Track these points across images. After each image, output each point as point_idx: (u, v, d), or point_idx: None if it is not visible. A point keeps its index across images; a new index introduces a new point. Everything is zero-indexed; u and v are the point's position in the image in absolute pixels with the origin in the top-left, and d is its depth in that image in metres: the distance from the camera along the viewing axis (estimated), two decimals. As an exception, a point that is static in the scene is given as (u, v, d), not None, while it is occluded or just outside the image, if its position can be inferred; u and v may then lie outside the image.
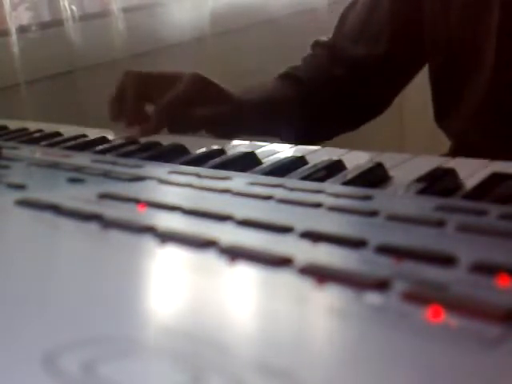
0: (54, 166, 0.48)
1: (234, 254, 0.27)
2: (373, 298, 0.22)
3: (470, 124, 0.74)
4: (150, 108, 0.69)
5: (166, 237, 0.29)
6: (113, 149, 0.57)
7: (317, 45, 0.84)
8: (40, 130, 0.69)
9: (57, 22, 1.06)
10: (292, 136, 0.80)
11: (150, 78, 0.70)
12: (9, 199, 0.37)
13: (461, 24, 0.71)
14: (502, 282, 0.23)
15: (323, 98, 0.81)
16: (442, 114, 0.79)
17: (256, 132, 0.74)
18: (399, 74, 0.83)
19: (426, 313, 0.21)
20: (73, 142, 0.61)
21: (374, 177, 0.43)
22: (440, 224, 0.30)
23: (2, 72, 0.95)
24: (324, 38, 0.84)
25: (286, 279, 0.24)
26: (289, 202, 0.35)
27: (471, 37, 0.71)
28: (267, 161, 0.50)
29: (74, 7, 1.05)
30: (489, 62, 0.69)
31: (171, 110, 0.67)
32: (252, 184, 0.39)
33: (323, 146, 0.53)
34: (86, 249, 0.30)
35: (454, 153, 0.78)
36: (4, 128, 0.73)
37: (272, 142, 0.56)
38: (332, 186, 0.40)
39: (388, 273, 0.24)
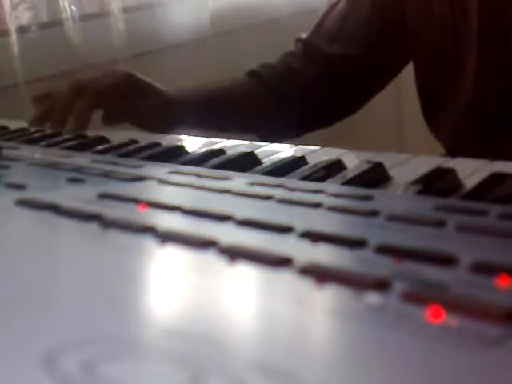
0: (54, 165, 0.48)
1: (234, 253, 0.27)
2: (373, 298, 0.22)
3: (456, 128, 0.74)
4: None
5: (166, 237, 0.29)
6: (113, 149, 0.57)
7: (297, 41, 0.85)
8: (40, 130, 0.69)
9: (56, 22, 1.06)
10: (265, 132, 0.81)
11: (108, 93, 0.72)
12: (9, 199, 0.37)
13: (442, 28, 0.72)
14: (502, 282, 0.23)
15: (288, 96, 0.81)
16: (431, 119, 0.79)
17: (196, 126, 0.74)
18: (373, 77, 0.83)
19: (426, 313, 0.21)
20: (73, 142, 0.61)
21: (374, 177, 0.43)
22: (440, 224, 0.30)
23: (2, 72, 0.95)
24: (304, 34, 0.85)
25: (285, 279, 0.24)
26: (289, 202, 0.35)
27: (453, 41, 0.71)
28: (267, 161, 0.50)
29: (73, 7, 1.05)
30: (471, 66, 0.69)
31: (96, 104, 0.70)
32: (252, 184, 0.39)
33: (323, 146, 0.53)
34: (86, 249, 0.30)
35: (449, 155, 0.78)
36: (4, 128, 0.73)
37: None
38: (332, 186, 0.40)
39: (388, 273, 0.24)
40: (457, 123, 0.73)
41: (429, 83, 0.77)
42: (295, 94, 0.81)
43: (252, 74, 0.83)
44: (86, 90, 0.69)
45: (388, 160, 0.45)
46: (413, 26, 0.75)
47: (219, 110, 0.78)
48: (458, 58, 0.71)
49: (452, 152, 0.75)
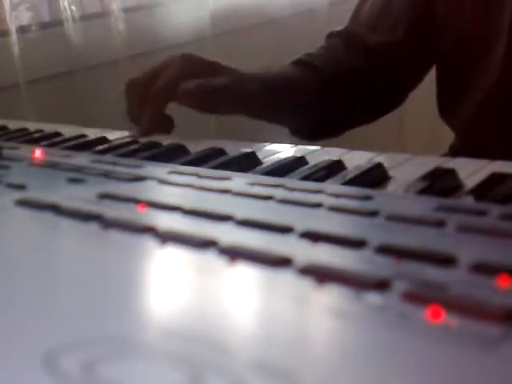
0: (54, 166, 0.48)
1: (234, 253, 0.27)
2: (373, 297, 0.22)
3: (475, 118, 0.72)
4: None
5: (166, 237, 0.29)
6: (113, 149, 0.57)
7: (331, 35, 0.81)
8: (40, 130, 0.69)
9: (57, 22, 1.06)
10: (302, 128, 0.77)
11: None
12: (9, 199, 0.37)
13: (472, 18, 0.70)
14: (502, 282, 0.23)
15: (338, 87, 0.77)
16: (447, 107, 0.77)
17: (260, 113, 0.70)
18: (416, 64, 0.79)
19: (426, 313, 0.21)
20: (73, 142, 0.61)
21: (374, 177, 0.43)
22: (440, 224, 0.30)
23: (2, 72, 0.95)
24: (338, 29, 0.81)
25: (285, 279, 0.24)
26: (289, 202, 0.35)
27: (482, 32, 0.69)
28: (267, 161, 0.50)
29: (73, 7, 1.05)
30: (498, 58, 0.69)
31: (164, 100, 0.65)
32: (252, 184, 0.39)
33: (323, 146, 0.53)
34: (86, 249, 0.30)
35: (457, 147, 0.78)
36: (4, 128, 0.73)
37: (276, 136, 0.55)
38: (332, 186, 0.40)
39: (388, 273, 0.24)
40: (479, 107, 0.72)
41: (452, 70, 0.75)
42: (343, 84, 0.77)
43: (300, 62, 0.77)
44: (149, 96, 0.65)
45: (388, 160, 0.45)
46: (442, 10, 0.73)
47: (279, 95, 0.72)
48: (487, 40, 0.69)
49: (466, 142, 0.74)
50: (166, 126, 0.66)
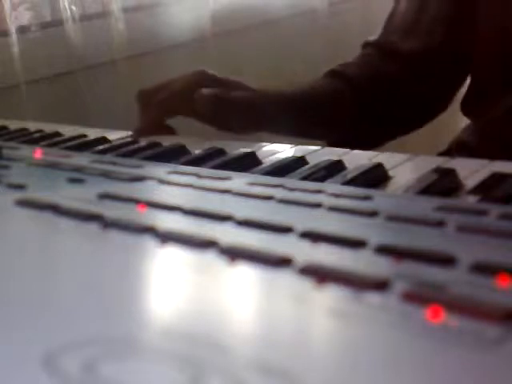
0: (54, 166, 0.48)
1: (234, 254, 0.27)
2: (373, 298, 0.22)
3: (506, 122, 0.69)
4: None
5: (166, 237, 0.29)
6: (113, 149, 0.57)
7: (366, 45, 0.79)
8: (40, 130, 0.69)
9: (57, 22, 1.06)
10: (341, 140, 0.72)
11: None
12: (9, 199, 0.37)
13: None
14: (502, 281, 0.23)
15: (374, 97, 0.74)
16: (474, 107, 0.74)
17: (283, 129, 0.67)
18: (456, 67, 0.77)
19: (426, 313, 0.21)
20: (73, 142, 0.61)
21: (374, 177, 0.43)
22: (440, 224, 0.30)
23: (2, 72, 0.95)
24: (372, 38, 0.79)
25: (285, 279, 0.24)
26: (289, 202, 0.35)
27: None
28: (267, 161, 0.50)
29: (74, 7, 1.05)
30: None
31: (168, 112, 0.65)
32: (252, 184, 0.39)
33: (323, 146, 0.53)
34: (86, 249, 0.30)
35: (463, 143, 0.74)
36: (4, 128, 0.73)
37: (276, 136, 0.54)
38: (332, 186, 0.40)
39: (388, 273, 0.24)
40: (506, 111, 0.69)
41: (489, 67, 0.72)
42: (378, 94, 0.75)
43: (332, 73, 0.75)
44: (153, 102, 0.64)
45: (388, 160, 0.46)
46: (483, 11, 0.70)
47: (302, 110, 0.69)
48: None
49: (488, 139, 0.71)
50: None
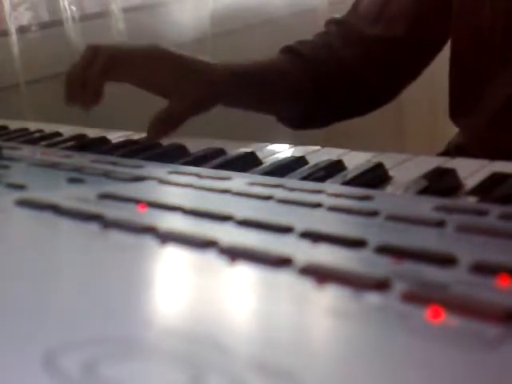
0: (54, 166, 0.48)
1: (234, 253, 0.27)
2: (373, 298, 0.22)
3: (490, 120, 0.69)
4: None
5: (167, 237, 0.29)
6: (113, 149, 0.57)
7: (330, 22, 0.80)
8: (40, 130, 0.69)
9: (56, 23, 1.06)
10: (289, 116, 0.77)
11: (120, 57, 0.66)
12: (9, 199, 0.37)
13: (492, 16, 0.67)
14: (502, 282, 0.23)
15: (326, 77, 0.76)
16: (459, 108, 0.74)
17: (247, 104, 0.71)
18: (415, 58, 0.78)
19: (426, 313, 0.21)
20: (73, 142, 0.61)
21: (374, 177, 0.43)
22: (440, 224, 0.30)
23: (2, 72, 0.95)
24: (338, 16, 0.79)
25: (285, 279, 0.24)
26: (289, 202, 0.35)
27: (503, 31, 0.66)
28: (267, 161, 0.50)
29: (73, 7, 1.05)
30: None
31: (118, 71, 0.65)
32: (252, 184, 0.39)
33: (323, 146, 0.53)
34: (86, 249, 0.30)
35: (461, 145, 0.74)
36: (4, 128, 0.73)
37: (276, 136, 0.55)
38: (332, 186, 0.40)
39: (388, 273, 0.24)
40: (492, 116, 0.69)
41: (468, 71, 0.72)
42: (333, 74, 0.76)
43: (288, 49, 0.76)
44: (100, 53, 0.64)
45: (388, 160, 0.45)
46: (458, 6, 0.70)
47: (260, 85, 0.72)
48: (506, 48, 0.66)
49: (478, 142, 0.71)
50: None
